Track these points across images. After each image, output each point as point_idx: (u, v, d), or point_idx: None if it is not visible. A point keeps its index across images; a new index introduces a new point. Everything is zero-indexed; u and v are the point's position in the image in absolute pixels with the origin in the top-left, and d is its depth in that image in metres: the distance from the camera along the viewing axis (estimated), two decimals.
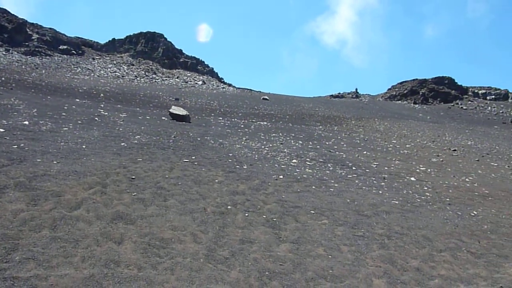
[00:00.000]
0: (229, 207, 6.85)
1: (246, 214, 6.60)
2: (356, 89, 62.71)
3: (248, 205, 7.11)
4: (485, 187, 11.59)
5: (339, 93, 61.74)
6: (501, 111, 46.99)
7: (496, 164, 17.03)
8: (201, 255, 4.97)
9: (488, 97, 53.62)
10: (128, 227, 5.40)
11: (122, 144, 10.63)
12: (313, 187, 9.09)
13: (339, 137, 20.80)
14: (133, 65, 54.55)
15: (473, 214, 8.47)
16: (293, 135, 19.32)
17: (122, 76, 46.92)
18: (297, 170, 10.84)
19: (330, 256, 5.40)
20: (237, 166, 10.09)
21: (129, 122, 15.16)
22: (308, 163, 12.19)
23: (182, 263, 4.68)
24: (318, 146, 16.36)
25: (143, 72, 52.01)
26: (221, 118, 22.83)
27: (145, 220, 5.72)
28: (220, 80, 63.36)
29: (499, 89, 55.20)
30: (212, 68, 65.56)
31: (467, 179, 12.66)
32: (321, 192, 8.73)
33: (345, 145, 17.83)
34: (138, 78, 47.67)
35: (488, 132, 32.95)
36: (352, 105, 48.17)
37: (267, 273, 4.77)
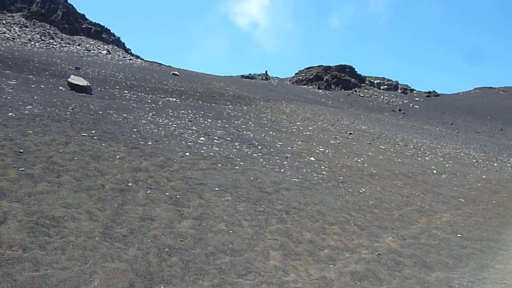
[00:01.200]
0: (130, 184, 6.59)
1: (148, 191, 6.43)
2: (266, 72, 64.25)
3: (151, 182, 6.92)
4: (373, 167, 12.88)
5: (250, 74, 62.65)
6: (391, 100, 52.27)
7: (384, 147, 19.00)
8: (97, 233, 4.73)
9: (381, 87, 59.17)
10: (12, 205, 4.88)
11: (10, 114, 9.48)
12: (219, 165, 9.18)
13: (247, 117, 21.20)
14: (26, 27, 48.42)
15: (361, 191, 9.38)
16: (202, 113, 19.17)
17: (13, 39, 41.46)
18: (204, 148, 10.82)
19: (231, 231, 5.55)
20: (141, 142, 9.71)
21: (20, 91, 13.53)
22: (215, 141, 12.24)
23: (74, 242, 4.40)
24: (226, 125, 16.49)
25: (38, 36, 46.53)
26: (126, 92, 21.62)
27: (33, 197, 5.22)
28: (127, 51, 59.70)
29: (391, 80, 61.22)
30: (119, 38, 61.36)
31: (359, 160, 13.93)
32: (227, 170, 8.86)
33: (253, 125, 18.25)
34: (32, 42, 42.57)
35: (380, 118, 36.49)
36: (261, 87, 49.31)
37: (166, 249, 4.73)
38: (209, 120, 16.94)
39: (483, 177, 15.24)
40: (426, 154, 19.47)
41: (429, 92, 60.65)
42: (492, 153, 24.15)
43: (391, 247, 6.14)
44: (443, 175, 14.17)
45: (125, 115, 13.42)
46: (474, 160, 20.19)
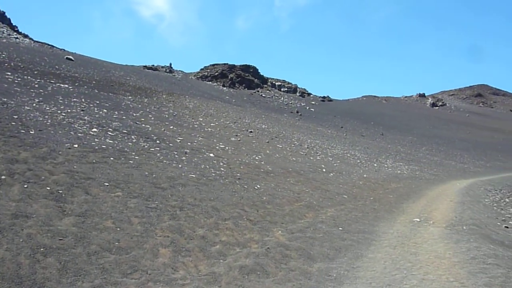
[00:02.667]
0: (3, 177, 5.84)
1: (25, 186, 5.77)
2: (171, 64, 62.66)
3: (30, 175, 6.22)
4: (269, 165, 13.42)
5: (153, 65, 60.45)
6: (290, 102, 55.11)
7: (281, 146, 19.94)
8: None
9: (282, 89, 62.01)
10: None
11: None
12: (112, 158, 8.66)
13: (148, 110, 20.40)
14: None
15: (256, 188, 9.70)
16: (97, 102, 17.90)
17: None
18: (96, 139, 10.11)
19: (118, 229, 5.27)
20: (22, 131, 8.69)
21: None
22: (110, 133, 11.52)
23: None
24: (124, 117, 15.65)
25: None
26: (9, 74, 19.13)
27: None
28: (14, 28, 52.87)
29: (291, 83, 64.54)
30: (3, 12, 54.00)
31: (256, 158, 14.39)
32: (119, 164, 8.40)
33: (153, 118, 17.62)
34: None
35: (279, 118, 38.18)
36: (165, 79, 47.91)
37: (42, 249, 4.29)
38: (105, 111, 15.89)
39: (365, 176, 16.95)
40: (318, 154, 20.95)
41: (324, 97, 65.42)
42: (373, 154, 27.03)
43: (280, 241, 6.47)
44: (331, 174, 15.40)
45: (5, 99, 11.88)
46: (358, 161, 22.35)
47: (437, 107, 78.16)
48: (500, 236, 9.07)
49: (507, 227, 10.30)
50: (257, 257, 5.55)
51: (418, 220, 10.05)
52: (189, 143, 13.55)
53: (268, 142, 20.34)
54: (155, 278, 4.38)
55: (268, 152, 16.83)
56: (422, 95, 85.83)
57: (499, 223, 10.68)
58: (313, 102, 58.54)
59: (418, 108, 73.99)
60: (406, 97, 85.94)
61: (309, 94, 64.65)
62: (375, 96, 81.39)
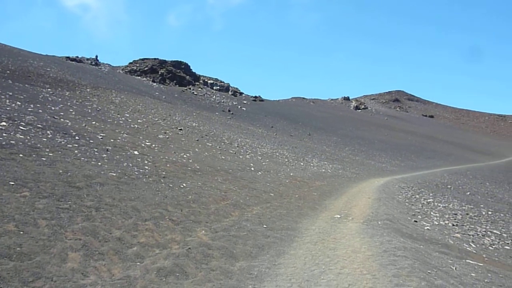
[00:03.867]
0: None
1: None
2: (96, 56, 59.19)
3: None
4: (197, 163, 13.22)
5: (77, 57, 56.61)
6: (222, 101, 55.02)
7: (210, 145, 19.77)
8: None
9: (214, 87, 61.69)
10: None
11: None
12: (21, 155, 7.89)
13: (69, 104, 19.02)
14: None
15: (182, 186, 9.47)
16: (10, 94, 16.30)
17: None
18: (4, 134, 9.16)
19: (21, 232, 4.78)
20: None
21: None
22: (22, 127, 10.51)
23: None
24: (40, 110, 14.41)
25: None
26: None
27: None
28: None
29: (223, 82, 64.46)
30: None
31: (184, 156, 14.09)
32: (30, 161, 7.68)
33: (73, 113, 16.45)
34: None
35: (210, 117, 37.90)
36: (90, 72, 45.12)
37: None
38: (18, 103, 14.51)
39: (291, 174, 17.44)
40: (248, 153, 21.14)
41: (256, 97, 66.32)
42: (301, 154, 27.97)
43: (203, 241, 6.36)
44: (259, 172, 15.61)
45: None
46: (286, 160, 22.96)
47: (360, 110, 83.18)
48: (409, 230, 9.85)
49: (415, 221, 11.22)
50: (177, 258, 5.39)
51: (338, 216, 10.55)
52: (112, 140, 12.85)
53: (198, 140, 20.06)
54: (61, 285, 4.04)
55: (197, 150, 16.59)
56: (347, 98, 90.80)
57: (409, 218, 11.60)
58: (245, 102, 59.04)
59: (343, 111, 78.14)
60: (332, 99, 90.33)
61: (241, 93, 65.08)
62: (303, 98, 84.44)
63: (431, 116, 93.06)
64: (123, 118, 19.90)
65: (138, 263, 5.00)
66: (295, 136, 40.89)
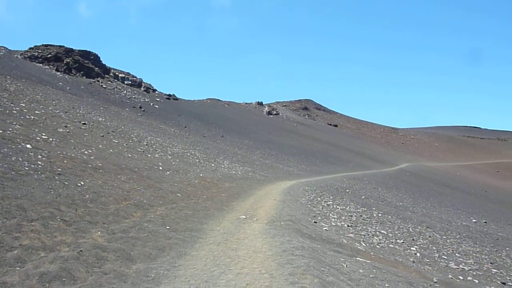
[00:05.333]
0: None
1: None
2: None
3: None
4: (100, 161, 12.41)
5: None
6: (134, 97, 52.64)
7: (117, 141, 18.74)
8: None
9: (125, 82, 58.76)
10: None
11: None
12: None
13: None
14: None
15: (79, 185, 8.80)
16: None
17: None
18: None
19: None
20: None
21: None
22: None
23: None
24: None
25: None
26: None
27: None
28: None
29: (135, 77, 61.76)
30: None
31: (86, 152, 13.13)
32: None
33: None
34: None
35: (119, 112, 35.98)
36: None
37: None
38: None
39: (201, 175, 17.31)
40: (157, 152, 20.48)
41: (170, 95, 64.71)
42: (212, 155, 27.95)
43: (97, 242, 5.95)
44: (168, 172, 15.21)
45: None
46: (197, 160, 22.74)
47: (272, 115, 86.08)
48: (309, 230, 10.40)
49: (315, 222, 11.89)
50: (66, 262, 4.96)
51: (244, 217, 10.72)
52: (0, 131, 11.46)
53: (103, 136, 18.86)
54: None
55: (101, 147, 15.58)
56: (260, 103, 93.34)
57: (310, 219, 12.25)
58: (158, 99, 57.19)
59: (256, 115, 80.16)
60: (246, 103, 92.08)
61: (154, 90, 62.91)
62: (218, 100, 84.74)
63: (335, 125, 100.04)
64: (17, 108, 17.89)
65: (18, 268, 4.49)
66: (208, 137, 40.77)
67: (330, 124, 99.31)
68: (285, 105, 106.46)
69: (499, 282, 10.62)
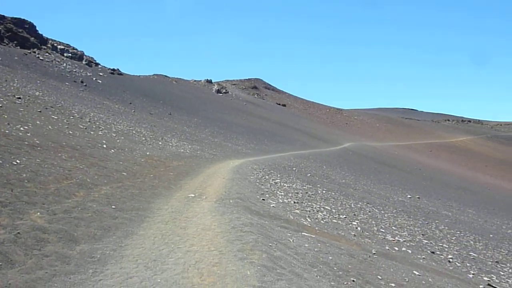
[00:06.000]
0: None
1: None
2: None
3: None
4: (37, 138, 11.65)
5: None
6: (74, 70, 49.58)
7: (56, 118, 17.66)
8: None
9: (65, 54, 55.04)
10: None
11: None
12: None
13: None
14: None
15: (15, 163, 8.23)
16: None
17: None
18: None
19: None
20: None
21: None
22: None
23: None
24: None
25: None
26: None
27: None
28: None
29: (76, 49, 58.01)
30: None
31: (21, 128, 12.25)
32: None
33: None
34: None
35: (58, 87, 33.80)
36: None
37: None
38: None
39: (148, 153, 16.88)
40: (101, 129, 19.61)
41: (114, 70, 61.69)
42: (159, 133, 27.28)
43: (37, 224, 5.65)
44: (112, 150, 14.66)
45: None
46: (143, 138, 22.10)
47: (221, 94, 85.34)
48: (257, 207, 10.60)
49: (263, 199, 12.14)
50: (1, 245, 4.67)
51: (193, 195, 10.68)
52: None
53: (40, 111, 17.65)
54: None
55: (38, 123, 14.60)
56: (209, 81, 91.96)
57: (258, 196, 12.47)
58: (101, 74, 54.30)
59: (205, 93, 78.99)
60: (195, 81, 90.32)
61: (97, 64, 59.56)
62: (166, 76, 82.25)
63: (284, 105, 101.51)
64: None
65: None
66: (155, 115, 39.66)
67: (279, 104, 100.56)
68: (234, 84, 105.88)
69: (429, 252, 11.60)
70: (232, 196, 11.14)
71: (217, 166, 18.75)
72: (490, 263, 12.54)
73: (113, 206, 7.78)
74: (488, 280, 9.94)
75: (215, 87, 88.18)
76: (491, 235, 17.98)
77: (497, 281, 10.28)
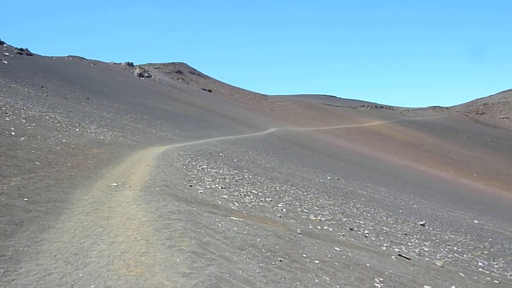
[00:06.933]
0: None
1: None
2: None
3: None
4: None
5: None
6: None
7: None
8: None
9: None
10: None
11: None
12: None
13: None
14: None
15: None
16: None
17: None
18: None
19: None
20: None
21: None
22: None
23: None
24: None
25: None
26: None
27: None
28: None
29: None
30: None
31: None
32: None
33: None
34: None
35: None
36: None
37: None
38: None
39: (64, 140, 15.68)
40: (8, 115, 17.72)
41: (22, 50, 55.77)
42: (76, 119, 25.42)
43: None
44: (22, 138, 13.37)
45: None
46: (58, 125, 20.46)
47: (143, 78, 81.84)
48: (185, 194, 10.47)
49: (191, 186, 12.02)
50: None
51: (115, 184, 10.20)
52: None
53: None
54: None
55: None
56: (131, 64, 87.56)
57: (185, 183, 12.31)
58: (6, 54, 48.77)
59: (126, 76, 75.14)
60: (115, 63, 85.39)
61: (1, 42, 53.41)
62: (82, 58, 76.59)
63: (210, 90, 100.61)
64: None
65: None
66: (71, 99, 36.83)
67: (205, 89, 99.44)
68: (157, 68, 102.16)
69: (348, 228, 12.47)
70: (158, 183, 10.85)
71: (141, 153, 18.10)
72: (400, 235, 13.87)
73: (25, 199, 7.13)
74: (399, 251, 11.00)
75: (137, 70, 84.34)
76: (400, 211, 19.85)
77: (406, 251, 11.44)
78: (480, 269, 11.88)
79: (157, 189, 10.14)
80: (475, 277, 10.28)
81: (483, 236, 18.23)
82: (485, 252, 14.88)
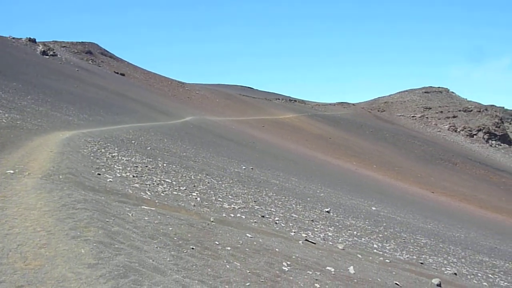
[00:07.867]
0: None
1: None
2: None
3: None
4: None
5: None
6: None
7: None
8: None
9: None
10: None
11: None
12: None
13: None
14: None
15: None
16: None
17: None
18: None
19: None
20: None
21: None
22: None
23: None
24: None
25: None
26: None
27: None
28: None
29: None
30: None
31: None
32: None
33: None
34: None
35: None
36: None
37: None
38: None
39: None
40: None
41: None
42: None
43: None
44: None
45: None
46: None
47: (47, 56, 74.55)
48: (92, 183, 9.91)
49: (99, 174, 11.41)
50: None
51: (12, 172, 9.29)
52: None
53: None
54: None
55: None
56: (33, 40, 79.02)
57: (93, 171, 11.65)
58: None
59: (27, 54, 67.74)
60: (14, 38, 76.41)
61: None
62: None
63: (123, 74, 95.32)
64: None
65: None
66: None
67: (117, 73, 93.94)
68: (64, 46, 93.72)
69: (259, 216, 12.94)
70: (62, 171, 10.11)
71: (43, 139, 16.62)
72: (307, 221, 14.78)
73: None
74: (306, 236, 11.74)
75: (40, 47, 76.56)
76: (308, 199, 21.10)
77: (312, 236, 12.24)
78: (375, 250, 13.23)
79: (61, 177, 9.45)
80: (370, 258, 11.42)
81: (379, 221, 20.27)
82: (380, 235, 16.59)
